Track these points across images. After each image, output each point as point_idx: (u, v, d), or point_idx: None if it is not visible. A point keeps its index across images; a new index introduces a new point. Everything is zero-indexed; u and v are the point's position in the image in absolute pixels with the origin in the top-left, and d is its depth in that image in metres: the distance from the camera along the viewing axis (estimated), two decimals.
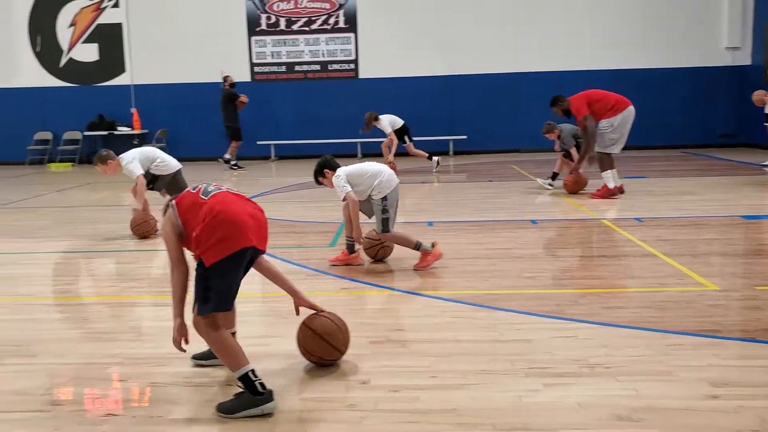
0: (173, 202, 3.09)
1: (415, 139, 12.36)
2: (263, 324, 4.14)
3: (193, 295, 3.00)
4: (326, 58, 15.58)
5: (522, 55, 15.24)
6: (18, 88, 16.06)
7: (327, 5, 15.47)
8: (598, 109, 8.39)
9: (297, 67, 15.63)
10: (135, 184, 6.98)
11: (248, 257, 3.04)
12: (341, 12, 15.43)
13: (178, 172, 7.23)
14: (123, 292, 5.04)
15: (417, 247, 5.26)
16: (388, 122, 11.96)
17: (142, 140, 15.80)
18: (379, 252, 5.55)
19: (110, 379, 3.32)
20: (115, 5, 15.81)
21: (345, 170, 5.28)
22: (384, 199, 5.23)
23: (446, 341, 3.66)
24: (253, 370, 2.91)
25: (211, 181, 3.20)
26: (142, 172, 6.91)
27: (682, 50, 14.98)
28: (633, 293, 4.55)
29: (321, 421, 2.81)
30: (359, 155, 14.98)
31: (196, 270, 2.99)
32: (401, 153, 12.43)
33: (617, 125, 8.37)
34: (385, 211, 5.24)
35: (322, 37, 15.51)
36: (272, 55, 15.61)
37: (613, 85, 10.66)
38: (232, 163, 13.76)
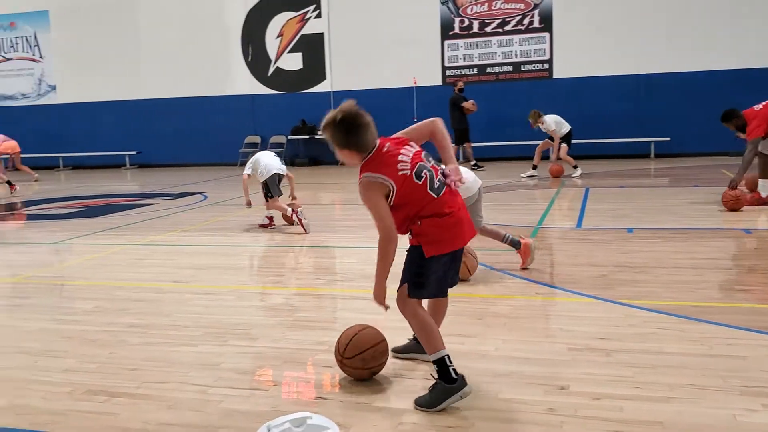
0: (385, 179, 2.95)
1: (611, 140, 11.90)
2: (458, 323, 4.21)
3: (402, 274, 3.10)
4: (519, 59, 15.44)
5: (733, 51, 14.09)
6: (232, 96, 17.57)
7: (521, 5, 15.33)
8: None
9: (489, 69, 15.64)
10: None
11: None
12: (536, 12, 15.21)
13: (273, 176, 7.99)
14: (328, 285, 5.37)
15: (512, 242, 5.35)
16: (553, 122, 11.85)
17: None
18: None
19: (319, 364, 3.55)
20: (318, 16, 16.78)
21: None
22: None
23: (650, 352, 3.51)
24: (448, 356, 2.98)
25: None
26: (249, 173, 8.00)
27: None
28: None
29: (518, 422, 2.81)
30: (552, 157, 14.65)
31: (410, 254, 3.08)
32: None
33: None
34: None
35: (516, 37, 15.39)
36: (464, 58, 15.74)
37: None
38: (472, 163, 13.92)
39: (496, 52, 15.57)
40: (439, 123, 3.30)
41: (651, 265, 5.26)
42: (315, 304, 4.86)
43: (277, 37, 17.19)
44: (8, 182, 13.34)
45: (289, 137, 17.10)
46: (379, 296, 3.10)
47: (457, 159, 13.60)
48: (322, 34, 16.81)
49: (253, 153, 17.05)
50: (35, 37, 18.98)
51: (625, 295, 4.61)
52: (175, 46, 17.58)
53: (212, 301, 4.95)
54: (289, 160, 17.12)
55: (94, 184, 14.78)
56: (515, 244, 5.40)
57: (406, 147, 3.13)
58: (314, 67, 16.98)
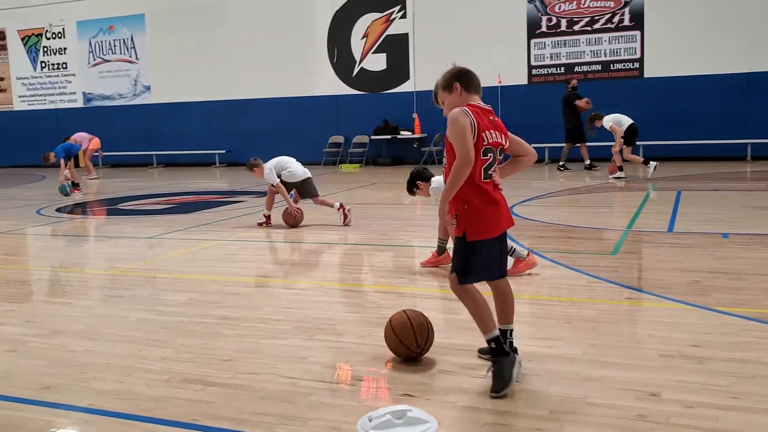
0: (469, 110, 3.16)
1: (705, 142, 11.47)
2: (546, 326, 4.17)
3: (452, 263, 3.28)
4: (608, 58, 15.07)
5: None
6: (318, 96, 17.90)
7: (611, 3, 14.96)
8: None
9: (576, 68, 15.34)
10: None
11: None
12: (626, 10, 14.82)
13: (307, 179, 8.33)
14: (410, 284, 5.41)
15: (510, 253, 5.14)
16: (611, 121, 11.67)
17: (421, 143, 16.69)
18: None
19: (403, 362, 3.60)
20: (403, 16, 16.87)
21: (439, 179, 5.65)
22: None
23: (748, 362, 3.38)
24: (499, 336, 3.19)
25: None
26: (277, 180, 8.13)
27: None
28: None
29: (607, 427, 2.77)
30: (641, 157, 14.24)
31: (456, 241, 3.20)
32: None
33: None
34: None
35: (605, 36, 15.03)
36: (551, 57, 15.49)
37: None
38: (560, 164, 13.71)
39: (584, 51, 15.25)
40: (532, 159, 3.50)
41: (748, 271, 5.06)
42: (399, 303, 4.91)
43: (362, 38, 17.38)
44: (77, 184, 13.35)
45: (372, 137, 17.26)
46: (444, 212, 3.18)
47: (569, 160, 13.34)
48: (407, 34, 16.88)
49: (337, 152, 17.32)
50: (132, 40, 19.87)
51: (721, 302, 4.45)
52: (264, 49, 18.04)
53: (299, 296, 5.08)
54: (372, 160, 17.30)
55: (185, 181, 15.36)
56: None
57: (497, 130, 3.27)
58: (398, 68, 17.08)
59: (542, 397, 3.08)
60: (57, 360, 3.84)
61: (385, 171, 15.92)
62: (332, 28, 17.64)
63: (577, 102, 13.29)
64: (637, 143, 13.59)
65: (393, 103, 17.16)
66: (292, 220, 8.25)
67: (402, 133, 16.88)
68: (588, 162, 13.51)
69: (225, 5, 18.49)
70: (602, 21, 15.02)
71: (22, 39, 21.30)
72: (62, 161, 12.80)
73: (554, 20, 15.37)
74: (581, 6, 15.20)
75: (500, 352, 3.16)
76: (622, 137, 11.60)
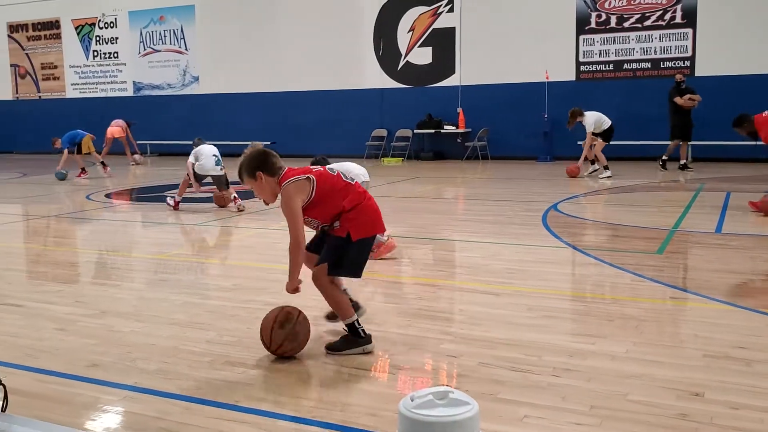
0: (314, 178, 3.52)
1: (754, 143, 11.15)
2: (588, 323, 4.14)
3: (322, 256, 3.60)
4: (658, 56, 14.77)
5: None
6: (362, 89, 17.94)
7: (663, 0, 14.65)
8: None
9: (626, 65, 15.08)
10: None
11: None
12: (678, 6, 14.50)
13: (217, 177, 9.18)
14: (450, 277, 5.42)
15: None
16: (593, 121, 11.95)
17: (465, 138, 16.61)
18: None
19: (444, 353, 3.61)
20: (450, 10, 16.80)
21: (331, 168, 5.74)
22: None
23: None
24: (357, 320, 3.62)
25: None
26: (190, 162, 9.11)
27: None
28: None
29: (648, 425, 2.74)
30: (688, 158, 13.97)
31: (334, 240, 3.57)
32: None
33: None
34: None
35: (656, 33, 14.73)
36: (600, 53, 15.26)
37: None
38: (681, 162, 13.10)
39: (634, 48, 14.97)
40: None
41: None
42: (438, 295, 4.92)
43: (409, 31, 17.36)
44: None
45: (415, 131, 17.24)
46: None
47: (668, 159, 13.02)
48: (454, 28, 16.80)
49: (380, 146, 17.34)
50: (182, 30, 20.18)
51: None
52: (310, 41, 18.15)
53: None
54: (414, 154, 17.29)
55: (230, 171, 15.55)
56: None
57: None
58: (444, 62, 17.01)
59: (582, 393, 3.06)
60: (104, 339, 3.95)
61: (427, 165, 15.90)
62: (379, 21, 17.65)
63: (677, 99, 12.82)
64: (690, 143, 13.37)
65: (437, 97, 17.11)
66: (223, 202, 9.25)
67: (446, 127, 16.82)
68: (683, 162, 13.04)
69: None
70: (653, 18, 14.72)
71: (76, 28, 21.81)
72: (66, 151, 13.68)
73: (604, 16, 15.12)
74: (632, 2, 14.92)
75: (355, 335, 3.61)
76: (599, 134, 12.12)
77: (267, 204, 3.66)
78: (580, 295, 4.86)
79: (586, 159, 12.52)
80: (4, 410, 2.57)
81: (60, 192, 12.02)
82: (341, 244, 3.55)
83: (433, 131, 16.96)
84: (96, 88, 21.75)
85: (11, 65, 22.99)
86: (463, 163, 16.17)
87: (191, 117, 20.02)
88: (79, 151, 13.91)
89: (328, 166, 3.81)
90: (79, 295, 5.05)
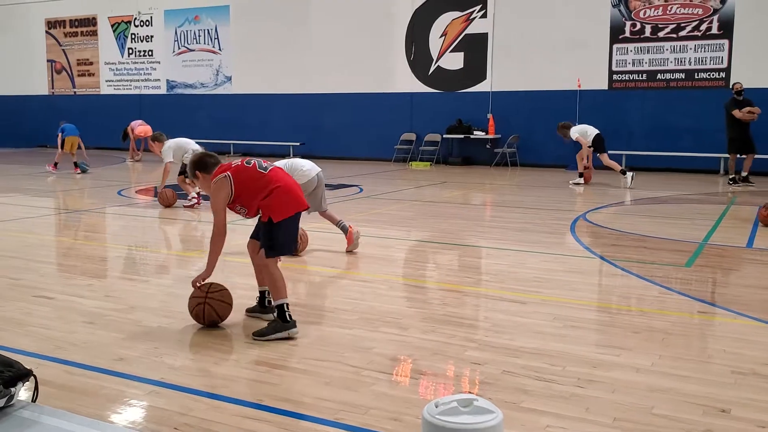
0: (230, 175, 3.91)
1: None
2: (614, 335, 4.10)
3: (261, 242, 4.02)
4: (693, 66, 14.58)
5: None
6: (392, 93, 17.96)
7: (699, 11, 14.46)
8: None
9: (659, 75, 14.90)
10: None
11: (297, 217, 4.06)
12: (715, 17, 14.30)
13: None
14: (477, 284, 5.40)
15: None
16: (578, 132, 12.26)
17: (494, 144, 16.55)
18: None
19: (468, 360, 3.60)
20: (483, 16, 16.75)
21: (280, 163, 6.13)
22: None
23: None
24: (287, 304, 3.88)
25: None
26: (171, 160, 9.22)
27: None
28: None
29: None
30: (721, 171, 13.80)
31: (263, 226, 3.97)
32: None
33: None
34: None
35: (691, 44, 14.54)
36: (633, 63, 15.11)
37: None
38: (731, 177, 12.54)
39: (668, 58, 14.78)
40: None
41: None
42: (463, 302, 4.91)
43: (441, 36, 17.34)
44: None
45: (444, 136, 17.21)
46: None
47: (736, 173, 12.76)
48: (486, 33, 16.75)
49: (408, 150, 17.32)
50: (216, 30, 20.38)
51: None
52: (343, 44, 18.22)
53: (366, 288, 5.14)
54: (442, 159, 17.26)
55: None
56: (344, 230, 6.39)
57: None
58: (475, 67, 16.96)
59: (606, 404, 3.04)
60: (132, 334, 4.01)
61: (456, 170, 15.87)
62: (411, 26, 17.66)
63: (735, 112, 12.45)
64: (709, 155, 13.13)
65: (468, 102, 17.06)
66: (165, 202, 9.32)
67: (475, 133, 16.77)
68: (744, 174, 12.63)
69: (306, 1, 18.76)
70: (689, 28, 14.53)
71: (112, 26, 22.14)
72: (59, 146, 14.21)
73: (638, 26, 14.96)
74: (667, 12, 14.74)
75: (282, 318, 3.86)
76: (591, 146, 12.25)
77: None
78: (606, 306, 4.82)
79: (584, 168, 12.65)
80: (34, 400, 2.62)
81: (91, 186, 12.21)
82: (269, 229, 3.96)
83: (462, 136, 16.91)
84: (130, 86, 22.05)
85: (48, 61, 23.41)
86: (492, 169, 16.11)
87: (223, 117, 20.20)
88: (62, 147, 14.27)
89: (246, 159, 4.13)
90: (109, 289, 5.13)
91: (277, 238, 3.96)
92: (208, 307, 4.04)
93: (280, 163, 5.64)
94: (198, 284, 4.05)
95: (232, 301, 4.17)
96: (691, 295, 4.93)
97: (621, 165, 12.93)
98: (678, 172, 14.14)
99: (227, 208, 4.01)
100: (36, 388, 2.67)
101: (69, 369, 3.44)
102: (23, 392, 2.60)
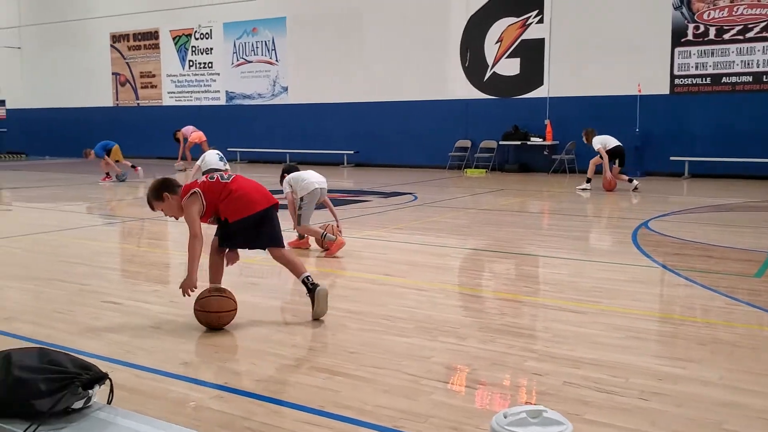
0: (199, 190, 4.31)
1: None
2: (680, 347, 4.00)
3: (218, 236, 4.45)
4: (761, 69, 14.12)
5: None
6: (447, 100, 17.95)
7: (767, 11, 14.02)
8: None
9: (724, 79, 14.49)
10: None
11: (262, 215, 4.43)
12: None
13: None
14: (535, 294, 5.34)
15: (323, 237, 6.50)
16: (599, 143, 12.37)
17: (552, 151, 16.34)
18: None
19: (528, 371, 3.57)
20: (540, 21, 16.60)
21: (293, 175, 6.77)
22: (301, 199, 6.61)
23: None
24: (308, 276, 4.43)
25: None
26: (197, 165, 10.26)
27: None
28: None
29: None
30: None
31: (224, 225, 4.41)
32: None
33: None
34: (299, 208, 6.61)
35: (758, 45, 14.09)
36: (696, 67, 14.72)
37: None
38: None
39: (734, 61, 14.36)
40: None
41: None
42: (522, 312, 4.86)
43: (496, 42, 17.25)
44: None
45: (500, 142, 17.09)
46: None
47: None
48: (543, 39, 16.59)
49: (463, 157, 17.22)
50: (273, 42, 20.74)
51: None
52: (397, 52, 18.30)
53: (423, 296, 5.14)
54: (498, 166, 17.14)
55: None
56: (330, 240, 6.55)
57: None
58: (532, 73, 16.81)
59: (672, 418, 2.96)
60: (196, 339, 4.11)
61: (512, 177, 15.73)
62: (466, 32, 17.62)
63: None
64: None
65: (524, 108, 16.91)
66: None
67: (532, 139, 16.59)
68: None
69: (360, 11, 18.92)
70: (756, 29, 14.09)
71: (174, 39, 22.76)
72: (105, 157, 14.84)
73: (702, 28, 14.59)
74: (733, 13, 14.33)
75: (308, 288, 4.42)
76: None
77: (177, 219, 4.52)
78: (669, 317, 4.70)
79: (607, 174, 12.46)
80: (109, 402, 2.72)
81: None
82: (226, 227, 4.42)
83: (519, 143, 16.76)
84: (191, 97, 22.61)
85: (113, 73, 24.21)
86: (549, 176, 15.92)
87: (280, 126, 20.52)
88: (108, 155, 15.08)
89: (209, 175, 4.52)
90: (174, 295, 5.25)
91: (236, 235, 4.45)
92: (210, 313, 4.27)
93: (296, 174, 6.60)
94: (188, 294, 4.32)
95: (232, 295, 4.38)
96: (760, 306, 4.78)
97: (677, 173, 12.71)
98: (744, 179, 13.72)
99: (202, 223, 4.41)
100: (111, 390, 2.76)
101: (138, 372, 3.54)
102: (99, 394, 2.71)
